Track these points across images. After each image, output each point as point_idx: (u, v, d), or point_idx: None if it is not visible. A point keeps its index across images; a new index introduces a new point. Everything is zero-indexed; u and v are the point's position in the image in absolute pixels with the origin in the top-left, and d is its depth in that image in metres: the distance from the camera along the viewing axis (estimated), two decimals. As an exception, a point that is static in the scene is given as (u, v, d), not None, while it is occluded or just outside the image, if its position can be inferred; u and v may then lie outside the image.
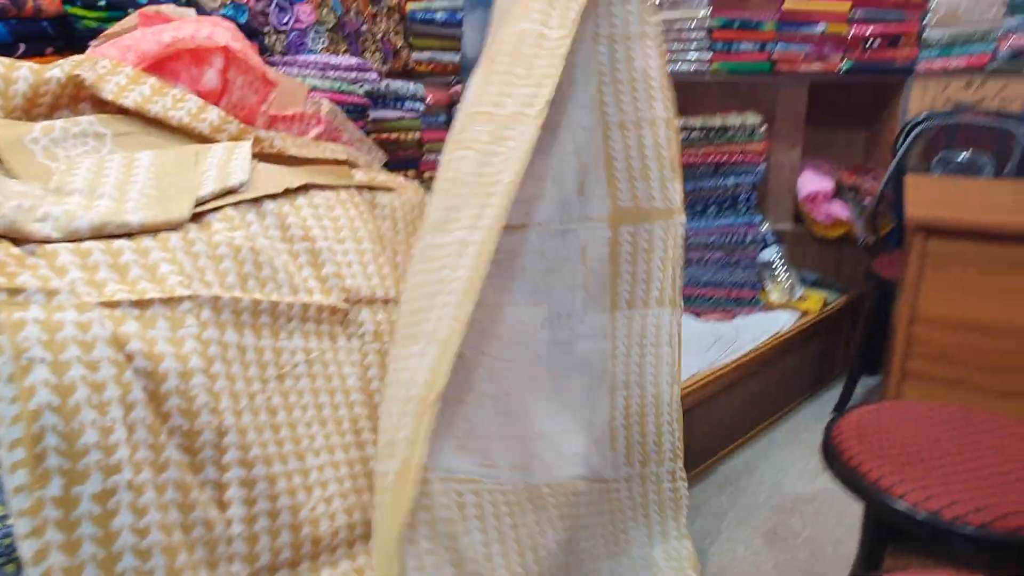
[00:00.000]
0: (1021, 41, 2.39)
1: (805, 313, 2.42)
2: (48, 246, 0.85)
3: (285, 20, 2.02)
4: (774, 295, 2.49)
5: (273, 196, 1.17)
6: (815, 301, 2.47)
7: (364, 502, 1.13)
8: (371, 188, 1.39)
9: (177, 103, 1.18)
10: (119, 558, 0.78)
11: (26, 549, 0.71)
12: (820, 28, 2.45)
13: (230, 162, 1.14)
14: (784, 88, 2.59)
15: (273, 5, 1.97)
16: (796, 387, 2.45)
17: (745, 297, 2.41)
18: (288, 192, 1.21)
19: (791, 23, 2.46)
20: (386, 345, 1.23)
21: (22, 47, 1.34)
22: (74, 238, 0.87)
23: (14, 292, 0.76)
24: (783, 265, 2.54)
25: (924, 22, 2.42)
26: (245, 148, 1.21)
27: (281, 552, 0.98)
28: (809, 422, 2.37)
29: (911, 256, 1.59)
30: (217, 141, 1.23)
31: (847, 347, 2.62)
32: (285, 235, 1.16)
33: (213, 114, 1.21)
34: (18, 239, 0.83)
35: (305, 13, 2.07)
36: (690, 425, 1.98)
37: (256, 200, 1.14)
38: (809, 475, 2.07)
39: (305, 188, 1.23)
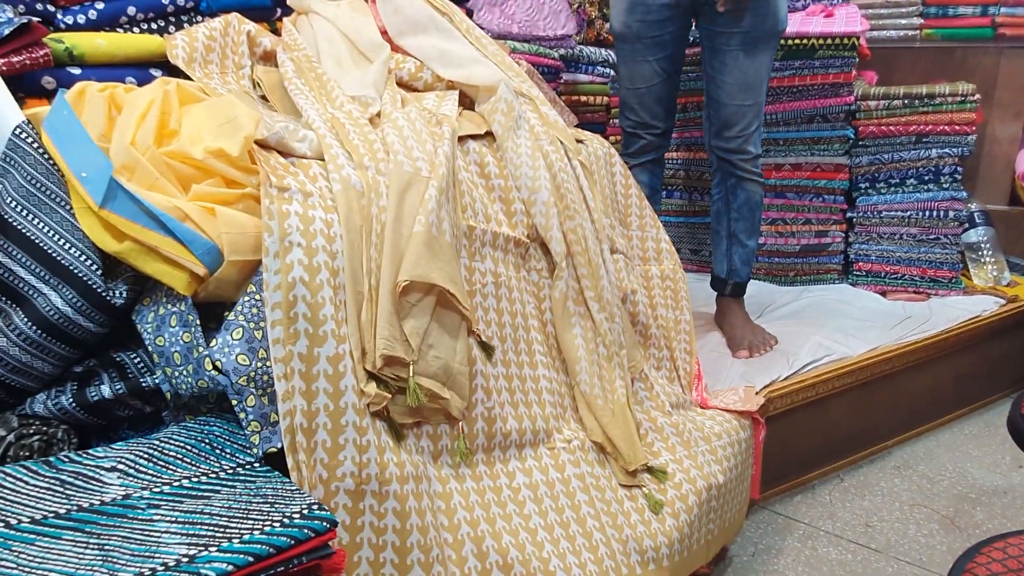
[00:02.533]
0: None
1: (1013, 300, 2.22)
2: (304, 160, 1.06)
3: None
4: (978, 279, 2.31)
5: (475, 136, 1.33)
6: (1023, 288, 2.26)
7: (533, 414, 1.26)
8: (562, 140, 1.51)
9: (399, 64, 1.39)
10: (344, 412, 0.97)
11: (279, 388, 0.91)
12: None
13: (440, 107, 1.31)
14: (1008, 55, 2.37)
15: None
16: (996, 378, 2.26)
17: (943, 277, 2.26)
18: (489, 135, 1.36)
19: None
20: (558, 285, 1.33)
21: (280, 11, 1.61)
22: (322, 156, 1.07)
23: (283, 190, 0.96)
24: (990, 248, 2.34)
25: None
26: (453, 96, 1.38)
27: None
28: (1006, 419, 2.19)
29: None
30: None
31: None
32: (483, 172, 1.31)
33: (427, 73, 1.39)
34: (284, 152, 1.05)
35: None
36: (865, 402, 1.93)
37: (461, 139, 1.30)
38: (1003, 469, 1.92)
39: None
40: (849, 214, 2.32)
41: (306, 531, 0.74)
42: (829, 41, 2.12)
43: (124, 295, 0.94)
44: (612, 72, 2.31)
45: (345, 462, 0.96)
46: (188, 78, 1.21)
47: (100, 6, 1.34)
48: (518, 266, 1.32)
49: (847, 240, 2.34)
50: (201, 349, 0.91)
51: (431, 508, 1.03)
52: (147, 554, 0.69)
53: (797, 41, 2.13)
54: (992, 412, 2.22)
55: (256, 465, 0.90)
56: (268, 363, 0.92)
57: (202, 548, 0.69)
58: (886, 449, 2.02)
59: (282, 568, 0.71)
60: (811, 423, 1.84)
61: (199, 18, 1.47)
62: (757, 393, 1.69)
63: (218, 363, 0.90)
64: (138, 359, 0.99)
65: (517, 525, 1.13)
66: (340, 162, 1.06)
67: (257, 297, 0.94)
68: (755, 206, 1.94)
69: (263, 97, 1.29)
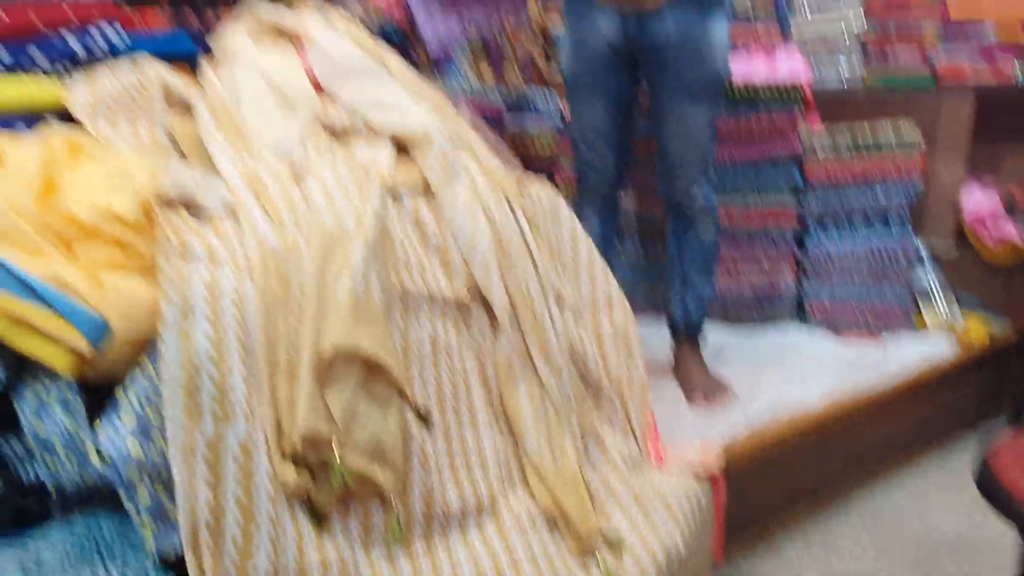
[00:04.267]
0: None
1: (966, 343, 2.21)
2: (215, 218, 0.96)
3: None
4: (930, 320, 2.30)
5: (410, 187, 1.25)
6: (978, 331, 2.26)
7: (476, 484, 1.16)
8: (504, 189, 1.44)
9: (329, 112, 1.30)
10: (257, 503, 0.85)
11: (178, 478, 0.80)
12: (990, 35, 2.27)
13: (374, 158, 1.23)
14: (948, 100, 2.41)
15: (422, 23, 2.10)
16: (952, 422, 2.24)
17: (895, 319, 2.25)
18: (425, 185, 1.28)
19: (955, 31, 2.29)
20: (501, 343, 1.25)
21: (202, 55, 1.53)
22: (235, 214, 0.98)
23: (185, 252, 0.86)
24: (941, 289, 2.34)
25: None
26: (387, 145, 1.29)
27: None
28: (967, 461, 2.16)
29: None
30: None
31: (1015, 384, 2.36)
32: (418, 225, 1.22)
33: (359, 121, 1.31)
34: (192, 209, 0.95)
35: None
36: (825, 453, 1.87)
37: (393, 191, 1.22)
38: (967, 514, 1.88)
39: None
40: (800, 257, 2.30)
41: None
42: (773, 89, 2.12)
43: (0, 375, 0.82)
44: (559, 116, 2.27)
45: (259, 559, 0.84)
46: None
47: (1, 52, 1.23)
48: (458, 325, 1.23)
49: (800, 283, 2.32)
50: (85, 437, 0.80)
51: (360, 602, 0.92)
52: None
53: (742, 89, 2.12)
54: (952, 454, 2.19)
55: (151, 570, 0.79)
56: (166, 450, 0.80)
57: None
58: (849, 500, 1.96)
59: None
60: (771, 477, 1.77)
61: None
62: (716, 450, 1.62)
63: (104, 453, 0.78)
64: (18, 447, 0.86)
65: (459, 613, 1.02)
66: (256, 220, 0.97)
67: (153, 374, 0.83)
68: (708, 250, 1.91)
69: (178, 150, 1.19)
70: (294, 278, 0.95)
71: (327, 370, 0.93)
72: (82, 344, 0.78)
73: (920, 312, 2.31)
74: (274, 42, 1.41)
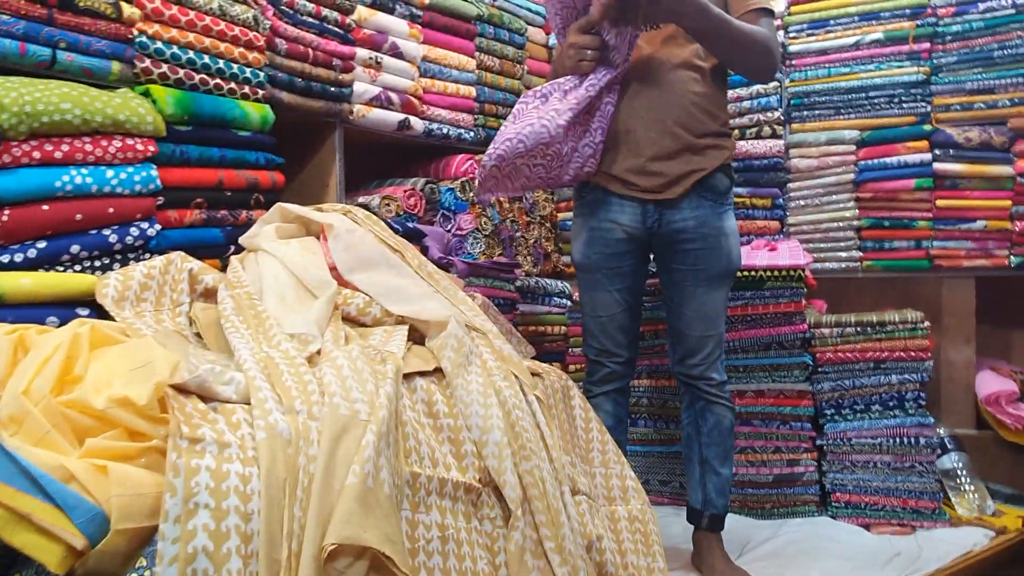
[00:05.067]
0: None
1: (1002, 531, 2.09)
2: (228, 404, 0.96)
3: (448, 227, 2.27)
4: (961, 508, 2.19)
5: (424, 373, 1.26)
6: (1013, 518, 2.14)
7: None
8: (517, 375, 1.44)
9: (347, 300, 1.35)
10: None
11: None
12: (980, 224, 2.38)
13: (387, 343, 1.26)
14: (949, 283, 2.47)
15: (439, 216, 2.22)
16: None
17: (926, 508, 2.14)
18: (439, 372, 1.29)
19: (947, 220, 2.41)
20: (513, 534, 1.20)
21: (232, 248, 1.61)
22: (249, 400, 0.98)
23: (195, 441, 0.86)
24: (967, 475, 2.25)
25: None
26: (402, 332, 1.33)
27: None
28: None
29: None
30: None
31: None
32: (431, 411, 1.22)
33: (376, 309, 1.36)
34: (207, 397, 0.95)
35: (466, 221, 2.31)
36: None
37: (408, 376, 1.23)
38: None
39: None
40: (819, 442, 2.25)
41: None
42: (776, 273, 2.20)
43: (-11, 571, 0.78)
44: (569, 302, 2.34)
45: None
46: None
47: (42, 244, 1.30)
48: (468, 515, 1.19)
49: (821, 469, 2.25)
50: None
51: None
52: None
53: (746, 273, 2.19)
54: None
55: None
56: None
57: None
58: None
59: None
60: None
61: (147, 256, 1.45)
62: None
63: (86, 663, 0.73)
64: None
65: None
66: (268, 406, 0.97)
67: (147, 573, 0.79)
68: (726, 431, 1.87)
69: (198, 335, 1.22)
70: (303, 465, 0.93)
71: (330, 564, 0.89)
72: (79, 539, 0.75)
73: (950, 501, 2.20)
74: (299, 235, 1.49)
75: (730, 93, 2.25)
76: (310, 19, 1.87)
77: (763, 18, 1.72)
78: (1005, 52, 2.34)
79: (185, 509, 0.80)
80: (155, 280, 1.24)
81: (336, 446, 0.97)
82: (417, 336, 1.39)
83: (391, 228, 1.86)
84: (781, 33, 2.60)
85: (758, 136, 2.57)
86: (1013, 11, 2.33)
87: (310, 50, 1.86)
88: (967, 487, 2.23)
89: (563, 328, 2.31)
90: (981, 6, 2.36)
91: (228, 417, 0.94)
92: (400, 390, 1.16)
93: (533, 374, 1.49)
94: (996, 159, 2.35)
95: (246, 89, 1.71)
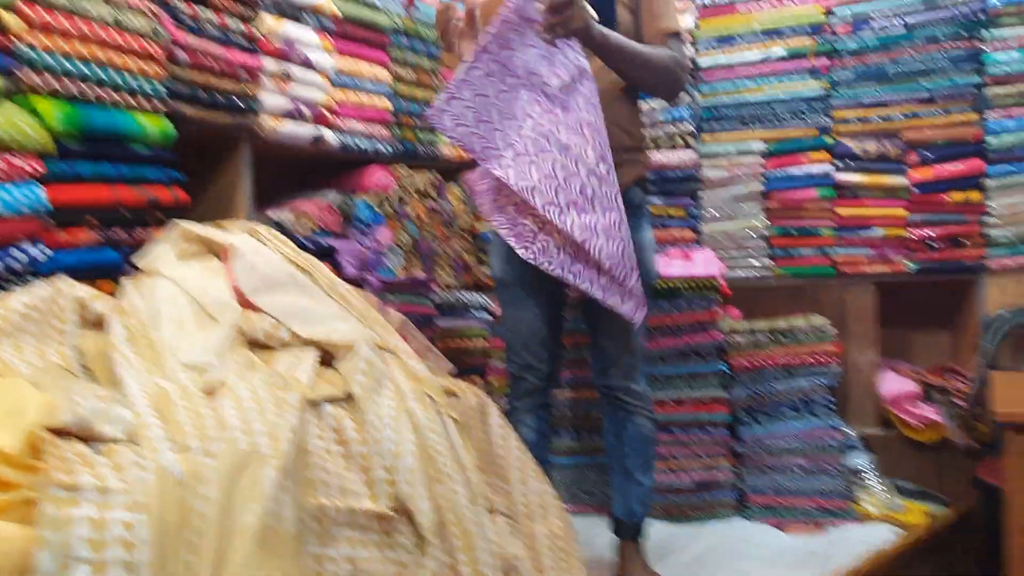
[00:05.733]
0: (1095, 237, 2.34)
1: (908, 527, 2.19)
2: (114, 445, 0.90)
3: (365, 242, 2.22)
4: (870, 506, 2.28)
5: (334, 399, 1.22)
6: (917, 514, 2.25)
7: None
8: (432, 396, 1.42)
9: (252, 323, 1.29)
10: None
11: None
12: (878, 232, 2.49)
13: (294, 369, 1.21)
14: (852, 289, 2.58)
15: (355, 230, 2.17)
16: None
17: (836, 507, 2.23)
18: (349, 397, 1.25)
19: (849, 228, 2.52)
20: (427, 561, 1.17)
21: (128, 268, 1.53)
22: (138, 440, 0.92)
23: (71, 489, 0.80)
24: (875, 473, 2.35)
25: (986, 222, 2.43)
26: (311, 356, 1.28)
27: None
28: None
29: (1009, 458, 1.46)
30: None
31: (964, 568, 2.32)
32: (340, 438, 1.18)
33: (283, 332, 1.31)
34: (89, 438, 0.89)
35: (384, 236, 2.27)
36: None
37: (316, 403, 1.18)
38: None
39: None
40: (735, 447, 2.31)
41: None
42: (691, 283, 2.25)
43: None
44: (489, 315, 2.32)
45: None
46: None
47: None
48: (381, 544, 1.15)
49: (737, 473, 2.31)
50: None
51: None
52: None
53: (662, 283, 2.23)
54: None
55: None
56: None
57: None
58: None
59: None
60: None
61: (35, 281, 1.35)
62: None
63: None
64: None
65: None
66: (159, 445, 0.91)
67: (18, 638, 0.73)
68: (647, 441, 1.90)
69: (87, 369, 1.14)
70: (197, 508, 0.88)
71: (228, 612, 0.84)
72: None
73: (859, 500, 2.29)
74: (200, 256, 1.42)
75: (644, 106, 2.29)
76: (213, 29, 1.80)
77: (671, 40, 1.76)
78: (898, 69, 2.47)
79: (60, 565, 0.74)
80: (38, 310, 1.15)
81: (234, 485, 0.92)
82: (328, 359, 1.35)
83: (303, 245, 1.81)
84: (691, 48, 2.66)
85: (672, 147, 2.62)
86: (904, 30, 2.46)
87: (214, 61, 1.79)
88: (875, 485, 2.33)
89: (484, 342, 2.29)
90: (875, 25, 2.48)
91: (113, 459, 0.88)
92: (307, 419, 1.12)
93: (449, 393, 1.47)
94: (892, 170, 2.48)
95: (144, 102, 1.63)
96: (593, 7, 1.75)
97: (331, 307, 1.42)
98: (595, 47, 1.64)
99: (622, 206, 1.61)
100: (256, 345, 1.32)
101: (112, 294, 1.33)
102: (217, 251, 1.44)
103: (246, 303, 1.34)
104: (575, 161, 1.58)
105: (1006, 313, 2.30)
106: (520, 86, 1.61)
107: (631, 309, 1.66)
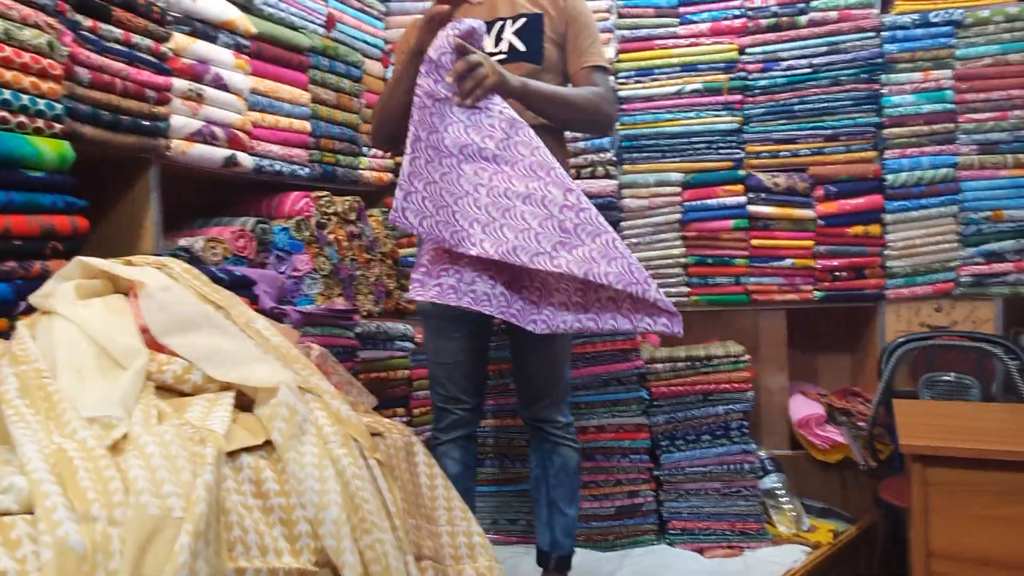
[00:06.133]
0: (979, 269, 2.52)
1: (816, 546, 2.28)
2: (6, 518, 0.81)
3: (283, 269, 2.13)
4: (781, 526, 2.37)
5: (251, 449, 1.15)
6: (825, 532, 2.35)
7: None
8: (356, 438, 1.37)
9: (162, 367, 1.21)
10: None
11: None
12: (788, 262, 2.60)
13: (208, 417, 1.14)
14: (764, 316, 2.69)
15: (272, 257, 2.09)
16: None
17: (751, 529, 2.30)
18: (269, 444, 1.18)
19: (761, 258, 2.62)
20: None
21: (23, 305, 1.40)
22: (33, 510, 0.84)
23: (-46, 576, 0.71)
24: (786, 493, 2.44)
25: (885, 254, 2.58)
26: (227, 401, 1.21)
27: None
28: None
29: (914, 486, 1.53)
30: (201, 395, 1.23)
31: (867, 582, 2.44)
32: (259, 491, 1.11)
33: (196, 375, 1.23)
34: (-26, 511, 0.80)
35: (302, 262, 2.19)
36: None
37: (233, 453, 1.12)
38: None
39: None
40: (656, 472, 2.35)
41: None
42: (614, 311, 2.27)
43: None
44: (412, 344, 2.28)
45: None
46: None
47: None
48: (304, 603, 1.09)
49: (658, 499, 2.35)
50: None
51: None
52: None
53: (585, 312, 2.25)
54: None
55: None
56: None
57: None
58: None
59: None
60: None
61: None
62: None
63: None
64: None
65: None
66: (57, 516, 0.83)
67: None
68: (572, 472, 1.90)
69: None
70: (102, 584, 0.81)
71: None
72: None
73: (772, 520, 2.37)
74: (104, 294, 1.32)
75: (568, 135, 2.31)
76: (118, 46, 1.69)
77: (596, 74, 1.78)
78: (804, 107, 2.60)
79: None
80: (-86, 358, 1.04)
81: (143, 555, 0.85)
82: (246, 403, 1.28)
83: (216, 276, 1.72)
84: (613, 79, 2.71)
85: (592, 176, 2.66)
86: (810, 70, 2.59)
87: (118, 80, 1.68)
88: (786, 506, 2.41)
89: (406, 372, 2.25)
90: (783, 64, 2.60)
91: (4, 535, 0.79)
92: (223, 473, 1.05)
93: (374, 433, 1.42)
94: (800, 203, 2.59)
95: (39, 123, 1.51)
96: (521, 42, 1.76)
97: (248, 347, 1.34)
98: (517, 97, 1.64)
99: (608, 226, 1.56)
100: (165, 390, 1.24)
101: (3, 337, 1.22)
102: (123, 288, 1.34)
103: (156, 345, 1.25)
104: (541, 203, 1.55)
105: (901, 338, 2.44)
106: (459, 163, 1.58)
107: (669, 323, 1.58)
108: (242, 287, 1.77)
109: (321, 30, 2.35)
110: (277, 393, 1.23)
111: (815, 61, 2.57)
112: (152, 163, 1.81)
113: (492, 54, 1.72)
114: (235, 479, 1.09)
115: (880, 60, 2.54)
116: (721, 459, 2.31)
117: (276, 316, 1.85)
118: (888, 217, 2.55)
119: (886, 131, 2.55)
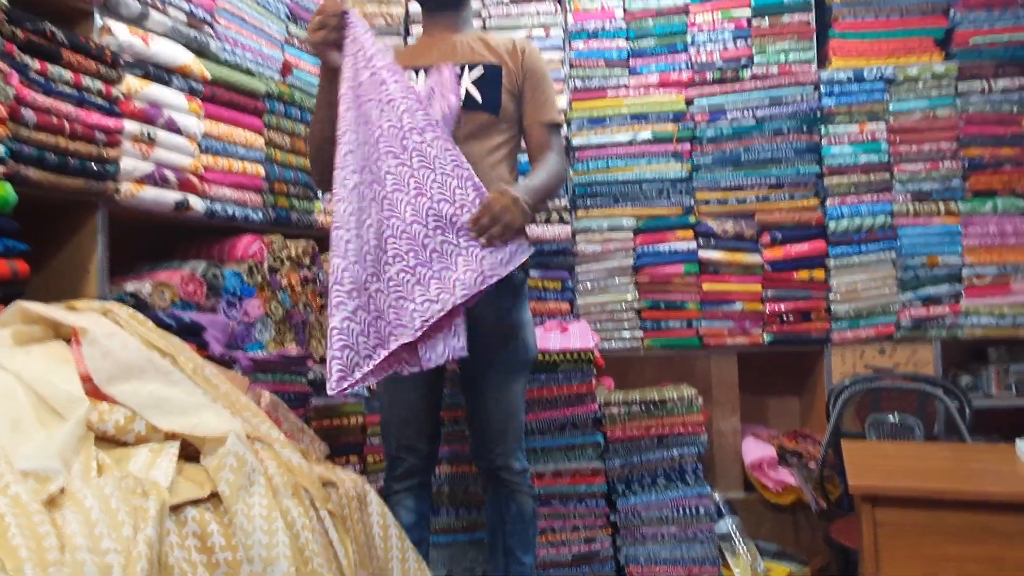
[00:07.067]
0: (918, 312, 2.62)
1: (772, 590, 2.29)
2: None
3: (233, 315, 2.09)
4: (737, 570, 2.37)
5: (197, 502, 1.11)
6: (779, 575, 2.35)
7: None
8: (307, 488, 1.33)
9: (104, 417, 1.17)
10: None
11: None
12: (738, 306, 2.66)
13: (151, 469, 1.10)
14: (716, 359, 2.73)
15: (223, 302, 2.05)
16: None
17: (707, 574, 2.29)
18: (215, 496, 1.15)
19: (712, 303, 2.67)
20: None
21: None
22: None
23: None
24: (740, 537, 2.45)
25: (829, 298, 2.66)
26: (171, 452, 1.17)
27: None
28: None
29: (864, 526, 1.55)
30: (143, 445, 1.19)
31: (822, 626, 2.45)
32: (204, 545, 1.07)
33: (140, 424, 1.19)
34: None
35: (254, 307, 2.15)
36: None
37: (177, 507, 1.07)
38: None
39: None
40: (612, 517, 2.33)
41: None
42: (569, 356, 2.28)
43: None
44: (366, 391, 2.24)
45: None
46: None
47: None
48: (250, 664, 1.05)
49: (615, 544, 2.33)
50: None
51: None
52: None
53: (541, 357, 2.25)
54: None
55: None
56: None
57: None
58: None
59: None
60: None
61: None
62: None
63: None
64: None
65: None
66: (-14, 577, 0.79)
67: None
68: (528, 519, 1.87)
69: None
70: (32, 650, 0.76)
71: None
72: None
73: (728, 563, 2.37)
74: (43, 340, 1.28)
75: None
76: (67, 88, 1.67)
77: (552, 136, 1.83)
78: (750, 156, 2.69)
79: None
80: None
81: (79, 617, 0.80)
82: (192, 452, 1.24)
83: (163, 322, 1.68)
84: (565, 128, 2.78)
85: (547, 221, 2.70)
86: (754, 122, 2.70)
87: (66, 122, 1.65)
88: (741, 549, 2.42)
89: (360, 419, 2.20)
90: (728, 116, 2.71)
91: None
92: (166, 528, 1.01)
93: (326, 483, 1.39)
94: (747, 248, 2.67)
95: (-18, 165, 1.47)
96: (478, 92, 1.79)
97: (196, 395, 1.31)
98: (530, 219, 1.67)
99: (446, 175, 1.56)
100: (107, 441, 1.19)
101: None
102: (64, 334, 1.30)
103: (98, 394, 1.21)
104: (411, 249, 1.56)
105: (847, 381, 2.50)
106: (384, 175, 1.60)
107: (516, 249, 1.60)
108: (191, 333, 1.73)
109: (277, 76, 2.36)
110: (225, 442, 1.20)
111: (759, 113, 2.68)
112: (99, 206, 1.77)
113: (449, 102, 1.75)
114: (178, 534, 1.05)
115: (819, 113, 2.66)
116: (677, 503, 2.31)
117: (226, 363, 1.81)
118: (831, 262, 2.64)
119: (827, 180, 2.66)
